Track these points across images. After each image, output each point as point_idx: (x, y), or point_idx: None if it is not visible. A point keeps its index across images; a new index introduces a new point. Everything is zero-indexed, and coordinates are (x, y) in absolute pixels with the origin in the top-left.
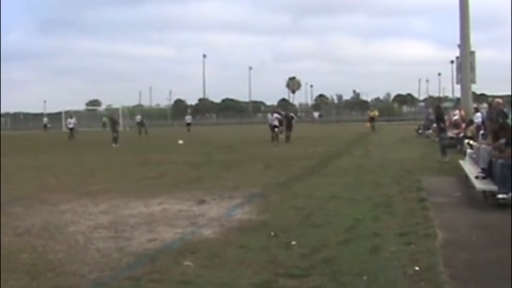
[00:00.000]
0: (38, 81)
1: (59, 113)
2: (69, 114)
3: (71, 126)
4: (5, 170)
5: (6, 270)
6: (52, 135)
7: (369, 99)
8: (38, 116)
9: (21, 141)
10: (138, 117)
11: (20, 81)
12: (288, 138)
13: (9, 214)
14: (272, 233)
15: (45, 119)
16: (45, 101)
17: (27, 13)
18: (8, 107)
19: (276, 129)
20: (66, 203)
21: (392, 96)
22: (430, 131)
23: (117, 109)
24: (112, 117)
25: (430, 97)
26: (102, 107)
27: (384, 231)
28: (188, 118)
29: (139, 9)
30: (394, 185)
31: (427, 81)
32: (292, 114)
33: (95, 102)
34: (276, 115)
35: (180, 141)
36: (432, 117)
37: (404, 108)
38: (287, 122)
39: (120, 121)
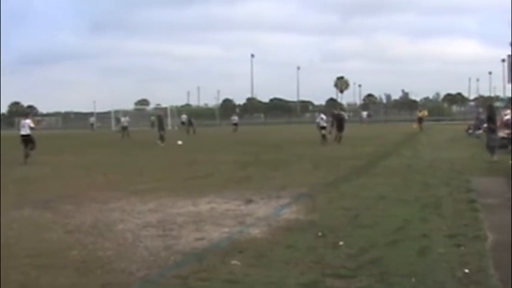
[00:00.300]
0: (87, 81)
1: (108, 113)
2: (118, 113)
3: (124, 125)
4: (56, 168)
5: (57, 267)
6: (101, 134)
7: (418, 98)
8: (87, 116)
9: (71, 140)
10: (184, 117)
11: (71, 81)
12: (339, 139)
13: (60, 211)
14: (319, 233)
15: (92, 119)
16: (94, 101)
17: (78, 14)
18: (59, 107)
19: (323, 130)
20: (116, 201)
21: (441, 96)
22: (481, 131)
23: (165, 109)
24: (159, 116)
25: (481, 96)
26: (151, 107)
27: (432, 233)
28: (234, 118)
29: (188, 10)
30: (443, 185)
31: (478, 80)
32: (343, 113)
33: (143, 102)
34: (322, 115)
35: (180, 142)
36: (483, 116)
37: (454, 108)
38: (338, 122)
39: (169, 120)
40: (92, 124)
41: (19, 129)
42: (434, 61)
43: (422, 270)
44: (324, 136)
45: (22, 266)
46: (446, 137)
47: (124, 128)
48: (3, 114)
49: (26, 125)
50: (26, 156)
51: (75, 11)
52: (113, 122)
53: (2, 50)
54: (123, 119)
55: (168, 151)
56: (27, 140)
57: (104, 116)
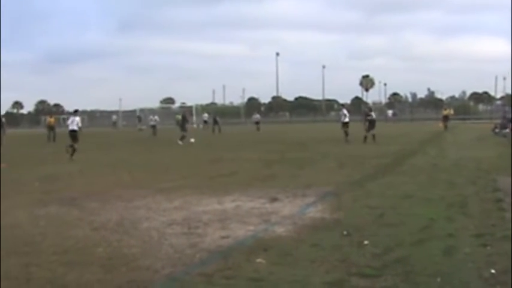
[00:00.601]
0: (113, 79)
1: (133, 111)
2: (144, 112)
3: (152, 123)
4: (81, 166)
5: (82, 264)
6: (125, 132)
7: (443, 97)
8: (113, 114)
9: (97, 138)
10: (206, 116)
11: (97, 80)
12: (373, 137)
13: (86, 208)
14: (345, 232)
15: (114, 117)
16: (120, 99)
17: (104, 13)
18: (85, 105)
19: (345, 126)
20: (141, 199)
21: (468, 94)
22: (507, 130)
23: (190, 107)
24: (183, 115)
25: (507, 95)
26: (176, 105)
27: (458, 232)
28: (256, 117)
29: (214, 8)
30: (470, 184)
31: (504, 78)
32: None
33: (168, 100)
34: (344, 111)
35: (192, 140)
36: (509, 115)
37: (480, 107)
38: (370, 121)
39: (194, 119)
40: (115, 122)
41: (67, 126)
42: (461, 59)
43: (448, 269)
44: (346, 133)
45: (49, 262)
46: (472, 136)
47: (153, 127)
48: (30, 112)
49: (75, 122)
50: (73, 150)
51: (102, 10)
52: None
53: (30, 49)
54: (151, 117)
55: (193, 149)
56: (74, 135)
57: (129, 115)
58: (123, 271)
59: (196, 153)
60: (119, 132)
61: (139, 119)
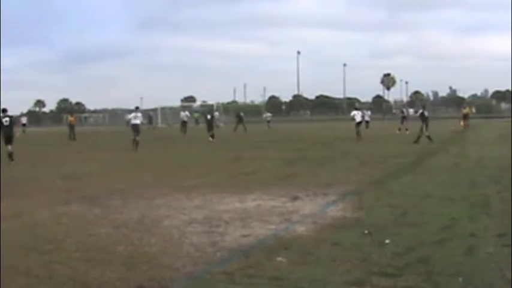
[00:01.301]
0: (135, 77)
1: (155, 109)
2: (165, 110)
3: (184, 119)
4: (103, 165)
5: (104, 261)
6: (145, 130)
7: (465, 95)
8: (147, 112)
9: (118, 136)
10: (216, 114)
11: (118, 78)
12: (428, 137)
13: (107, 207)
14: (366, 231)
15: (128, 116)
16: (141, 98)
17: (126, 12)
18: (106, 103)
19: (358, 125)
20: (162, 198)
21: (490, 93)
22: None
23: (211, 105)
24: (210, 117)
25: None
26: (197, 103)
27: (480, 232)
28: (267, 116)
29: (235, 7)
30: (492, 184)
31: None
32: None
33: (189, 99)
34: (355, 111)
35: (210, 139)
36: None
37: (503, 105)
38: (423, 119)
39: (216, 116)
40: (128, 121)
41: (129, 120)
42: (483, 57)
43: (470, 270)
44: (358, 132)
45: (71, 260)
46: (494, 135)
47: (184, 123)
48: (52, 111)
49: (138, 117)
50: (136, 143)
51: (123, 9)
52: (159, 118)
53: (52, 48)
54: (182, 113)
55: (214, 147)
56: (136, 128)
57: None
58: (144, 269)
59: (217, 151)
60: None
61: (150, 119)
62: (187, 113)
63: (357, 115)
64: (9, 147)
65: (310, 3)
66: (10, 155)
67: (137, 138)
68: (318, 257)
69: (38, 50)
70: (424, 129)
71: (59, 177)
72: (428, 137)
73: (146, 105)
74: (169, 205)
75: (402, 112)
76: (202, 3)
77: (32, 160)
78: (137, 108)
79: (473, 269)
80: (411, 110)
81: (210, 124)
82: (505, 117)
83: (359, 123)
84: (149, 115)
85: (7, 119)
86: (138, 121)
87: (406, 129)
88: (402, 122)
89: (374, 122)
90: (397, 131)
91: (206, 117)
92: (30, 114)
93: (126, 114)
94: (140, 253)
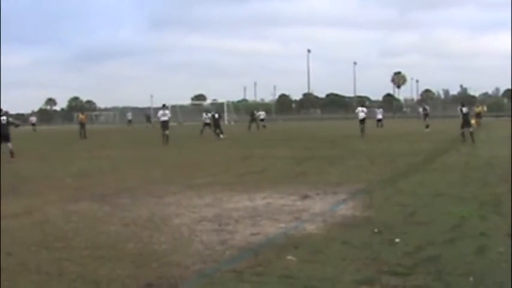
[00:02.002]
0: (145, 76)
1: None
2: (175, 108)
3: (207, 121)
4: (113, 163)
5: (113, 259)
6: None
7: (476, 94)
8: (145, 110)
9: (128, 135)
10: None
11: (129, 77)
12: (470, 134)
13: (117, 205)
14: (376, 230)
15: (129, 114)
16: (151, 95)
17: (137, 11)
18: (117, 102)
19: (362, 123)
20: (171, 196)
21: (501, 91)
22: None
23: (222, 104)
24: (217, 115)
25: None
26: (207, 102)
27: (491, 231)
28: (260, 114)
29: (246, 6)
30: (503, 183)
31: None
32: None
33: (200, 97)
34: (360, 109)
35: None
36: None
37: None
38: (465, 118)
39: (225, 116)
40: (130, 120)
41: (158, 118)
42: (494, 56)
43: (481, 269)
44: (362, 129)
45: (81, 257)
46: (505, 133)
47: (206, 124)
48: (63, 109)
49: (166, 114)
50: (166, 137)
51: (134, 8)
52: (146, 119)
53: (63, 46)
54: (204, 115)
55: (224, 146)
56: (166, 125)
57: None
58: (154, 267)
59: (227, 149)
60: (133, 129)
61: (148, 117)
62: (210, 115)
63: (360, 112)
64: (9, 144)
65: (321, 2)
66: (11, 153)
67: (166, 132)
68: (327, 255)
69: (49, 48)
70: (463, 126)
71: (69, 175)
72: (471, 134)
73: (157, 104)
74: (179, 203)
75: (425, 109)
76: (213, 2)
77: (42, 158)
78: (164, 105)
79: (484, 268)
80: (421, 109)
81: (217, 123)
82: None
83: (362, 120)
84: (147, 115)
85: (4, 117)
86: (166, 118)
87: (427, 126)
88: (425, 119)
89: (386, 120)
90: (426, 129)
91: (213, 116)
92: (41, 112)
93: (127, 112)
94: (149, 251)
